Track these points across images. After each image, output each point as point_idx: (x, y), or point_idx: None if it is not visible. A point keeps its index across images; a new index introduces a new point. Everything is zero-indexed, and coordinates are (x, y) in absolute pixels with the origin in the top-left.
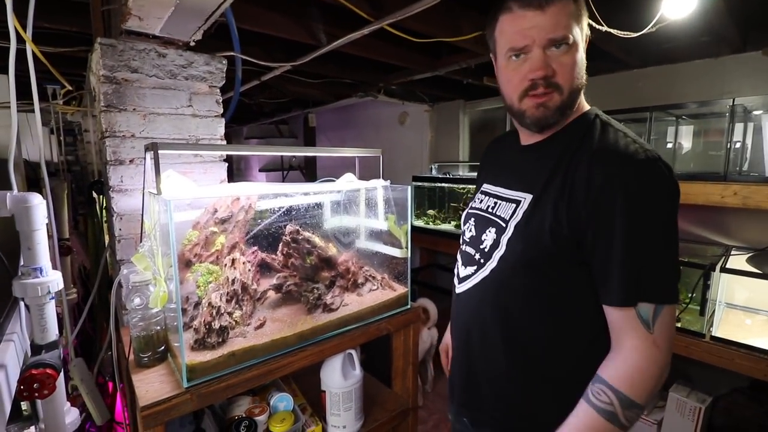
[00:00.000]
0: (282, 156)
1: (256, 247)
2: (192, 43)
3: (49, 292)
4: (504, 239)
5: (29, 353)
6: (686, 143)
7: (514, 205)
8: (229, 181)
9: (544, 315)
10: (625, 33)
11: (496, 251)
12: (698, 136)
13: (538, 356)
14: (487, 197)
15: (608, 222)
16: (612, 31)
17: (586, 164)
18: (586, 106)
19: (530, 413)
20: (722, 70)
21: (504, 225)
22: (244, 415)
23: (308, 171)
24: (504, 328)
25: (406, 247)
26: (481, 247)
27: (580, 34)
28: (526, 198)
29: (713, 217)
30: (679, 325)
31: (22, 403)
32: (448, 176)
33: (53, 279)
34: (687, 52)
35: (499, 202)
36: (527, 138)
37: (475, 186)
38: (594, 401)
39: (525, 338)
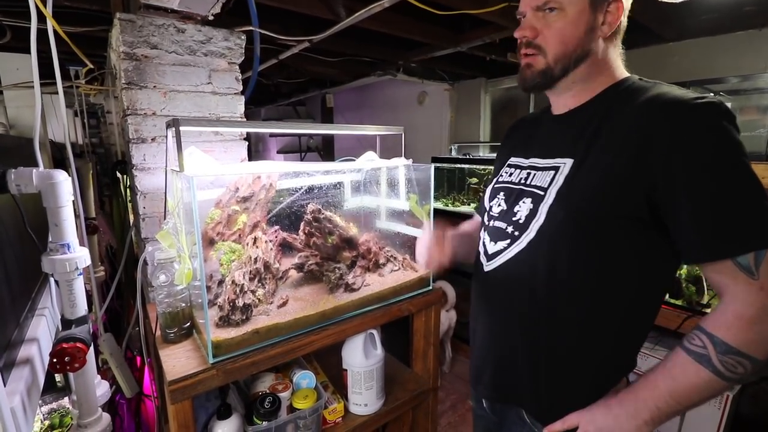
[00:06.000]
0: (300, 138)
1: (277, 227)
2: (210, 18)
3: (77, 267)
4: (543, 207)
5: (60, 327)
6: None
7: (552, 172)
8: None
9: (586, 286)
10: (668, 0)
11: (534, 221)
12: (737, 113)
13: (577, 330)
14: (517, 170)
15: (675, 174)
16: None
17: (640, 116)
18: (624, 74)
19: (565, 392)
20: (767, 42)
21: (542, 193)
22: (267, 391)
23: (326, 152)
24: (543, 302)
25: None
26: (515, 219)
27: None
28: (566, 162)
29: None
30: (708, 311)
31: (56, 375)
32: (468, 157)
33: (80, 255)
34: (728, 24)
35: (534, 172)
36: (560, 107)
37: (495, 165)
38: (686, 345)
39: (564, 311)
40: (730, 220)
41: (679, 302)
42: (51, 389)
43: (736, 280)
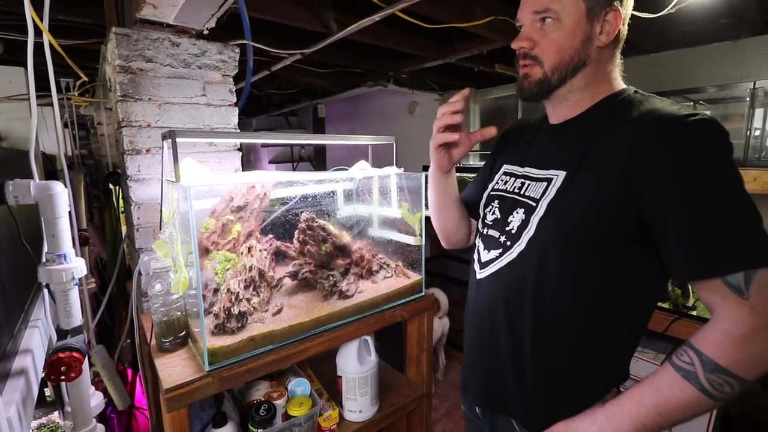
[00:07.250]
0: (291, 148)
1: (271, 235)
2: (205, 32)
3: (74, 277)
4: (534, 219)
5: (53, 339)
6: None
7: (545, 184)
8: None
9: (574, 299)
10: (644, 14)
11: (525, 233)
12: None
13: (565, 343)
14: (512, 178)
15: (665, 191)
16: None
17: (631, 132)
18: (621, 85)
19: (553, 403)
20: (742, 53)
21: (534, 205)
22: (262, 399)
23: (318, 162)
24: (531, 313)
25: (420, 235)
26: (507, 229)
27: (581, 8)
28: (558, 175)
29: None
30: (694, 313)
31: (45, 389)
32: (459, 165)
33: (77, 265)
34: (705, 35)
35: (528, 182)
36: (556, 117)
37: (486, 165)
38: (675, 360)
39: (552, 323)
40: (718, 239)
41: (665, 305)
42: (40, 404)
43: (726, 299)
